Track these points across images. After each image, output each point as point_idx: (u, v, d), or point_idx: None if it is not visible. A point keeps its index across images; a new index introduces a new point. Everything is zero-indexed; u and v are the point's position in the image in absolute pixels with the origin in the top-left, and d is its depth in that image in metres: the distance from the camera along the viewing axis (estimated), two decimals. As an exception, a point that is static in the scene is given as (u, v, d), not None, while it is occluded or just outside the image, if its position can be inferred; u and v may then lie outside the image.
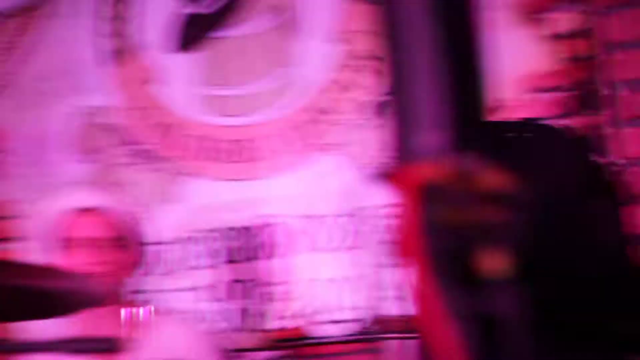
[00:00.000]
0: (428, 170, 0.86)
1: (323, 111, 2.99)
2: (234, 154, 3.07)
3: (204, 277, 3.06)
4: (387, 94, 1.07)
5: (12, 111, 3.37)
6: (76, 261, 2.45)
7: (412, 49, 1.02)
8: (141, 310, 2.57)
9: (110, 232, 2.49)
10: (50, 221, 2.53)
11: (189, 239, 3.09)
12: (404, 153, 0.97)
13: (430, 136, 0.93)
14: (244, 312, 3.01)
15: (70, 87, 3.28)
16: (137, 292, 2.96)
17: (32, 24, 3.36)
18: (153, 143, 3.17)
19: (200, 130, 3.12)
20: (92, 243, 2.47)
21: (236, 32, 3.11)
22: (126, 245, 2.52)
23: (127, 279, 2.56)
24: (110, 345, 1.25)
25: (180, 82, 3.15)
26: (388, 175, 0.89)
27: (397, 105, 1.02)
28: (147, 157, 3.18)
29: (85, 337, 1.16)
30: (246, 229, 3.04)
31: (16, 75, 3.38)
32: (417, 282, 0.87)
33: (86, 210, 2.50)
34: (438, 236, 0.83)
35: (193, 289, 3.07)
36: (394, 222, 0.88)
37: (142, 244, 2.58)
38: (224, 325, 3.02)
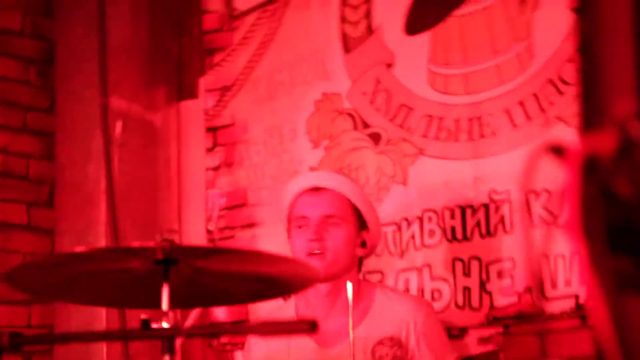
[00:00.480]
0: (609, 140, 0.83)
1: (557, 82, 2.89)
2: (465, 131, 3.05)
3: (432, 255, 3.07)
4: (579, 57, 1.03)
5: (251, 103, 3.53)
6: (306, 240, 2.53)
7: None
8: (373, 288, 2.63)
9: (339, 210, 2.55)
10: (285, 205, 2.64)
11: (419, 218, 3.11)
12: (594, 121, 0.93)
13: (624, 103, 0.90)
14: (468, 289, 2.99)
15: (310, 75, 3.39)
16: (369, 272, 3.03)
17: (270, 18, 3.50)
18: (386, 125, 3.21)
19: (434, 109, 3.12)
20: (322, 221, 2.54)
21: (470, 8, 3.07)
22: (357, 225, 2.57)
23: (360, 258, 2.61)
24: (309, 326, 1.30)
25: (416, 62, 3.17)
26: (566, 148, 0.86)
27: (589, 69, 0.99)
28: (378, 138, 3.23)
29: (285, 319, 1.20)
30: (475, 206, 3.01)
31: (253, 69, 3.54)
32: (586, 260, 0.84)
33: (315, 190, 2.58)
34: (608, 207, 0.80)
35: (421, 267, 3.08)
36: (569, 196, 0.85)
37: (375, 224, 2.62)
38: (449, 303, 3.01)
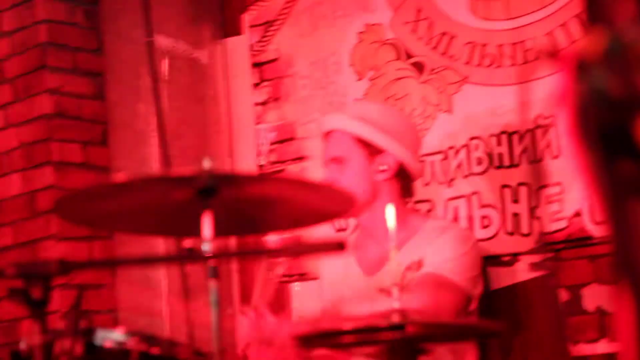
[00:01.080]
0: (600, 41, 0.83)
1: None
2: (508, 57, 3.04)
3: (480, 183, 3.08)
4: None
5: (295, 37, 3.55)
6: (337, 178, 2.59)
7: None
8: (424, 219, 2.66)
9: (342, 149, 2.58)
10: (320, 141, 2.69)
11: (465, 146, 3.12)
12: (597, 26, 0.94)
13: (625, 7, 0.90)
14: (517, 216, 3.00)
15: (352, 6, 3.39)
16: (417, 201, 3.05)
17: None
18: (429, 53, 3.21)
19: (476, 36, 3.10)
20: (331, 164, 2.60)
21: None
22: (366, 155, 2.59)
23: (399, 181, 2.63)
24: (337, 246, 1.34)
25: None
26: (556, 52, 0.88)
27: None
28: (422, 68, 3.23)
29: (313, 240, 1.25)
30: (519, 132, 3.01)
31: (295, 3, 3.55)
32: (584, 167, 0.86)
33: (326, 134, 2.64)
34: (600, 108, 0.81)
35: (469, 195, 3.10)
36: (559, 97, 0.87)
37: (393, 144, 2.61)
38: (499, 230, 3.03)
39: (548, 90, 2.91)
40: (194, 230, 1.95)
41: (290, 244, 1.26)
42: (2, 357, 2.30)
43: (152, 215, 2.07)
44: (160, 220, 2.11)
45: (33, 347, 1.73)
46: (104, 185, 1.97)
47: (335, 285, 2.66)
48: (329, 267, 2.72)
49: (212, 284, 1.86)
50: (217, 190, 1.88)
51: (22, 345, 1.96)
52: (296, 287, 3.50)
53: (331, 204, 1.88)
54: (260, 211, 1.98)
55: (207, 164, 1.89)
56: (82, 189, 1.95)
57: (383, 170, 2.59)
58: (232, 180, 1.95)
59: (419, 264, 2.54)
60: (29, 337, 1.75)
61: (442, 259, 2.53)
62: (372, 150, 2.59)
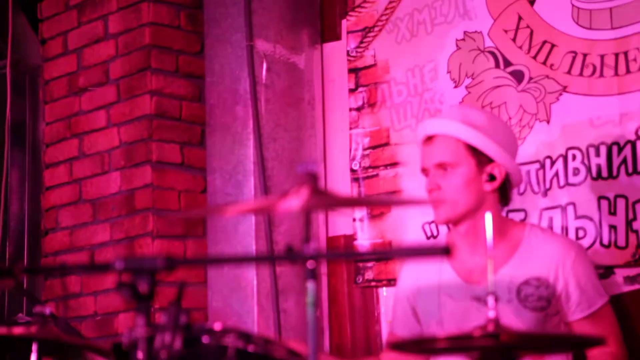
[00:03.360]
0: None
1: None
2: (611, 67, 3.00)
3: (577, 194, 3.04)
4: None
5: (392, 43, 3.56)
6: (426, 191, 2.57)
7: None
8: (522, 227, 2.63)
9: (451, 155, 2.54)
10: (419, 145, 2.67)
11: (562, 156, 3.08)
12: None
13: None
14: (615, 228, 2.95)
15: (451, 13, 3.38)
16: (511, 210, 3.03)
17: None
18: (528, 62, 3.19)
19: (577, 45, 3.07)
20: (436, 169, 2.56)
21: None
22: (476, 163, 2.56)
23: (500, 192, 2.59)
24: (443, 250, 1.34)
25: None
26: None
27: None
28: (521, 76, 3.20)
29: (419, 243, 1.26)
30: (620, 143, 2.97)
31: (394, 10, 3.56)
32: None
33: (429, 139, 2.59)
34: None
35: (565, 206, 3.06)
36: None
37: (503, 155, 2.58)
38: (594, 242, 2.99)
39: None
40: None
41: (394, 247, 1.27)
42: (102, 348, 2.36)
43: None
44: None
45: (136, 340, 1.77)
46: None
47: (428, 291, 2.62)
48: (415, 273, 2.67)
49: (310, 285, 1.88)
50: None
51: (124, 338, 2.01)
52: (384, 292, 3.51)
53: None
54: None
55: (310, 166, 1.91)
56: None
57: (492, 181, 2.55)
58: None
59: (538, 280, 2.49)
60: (132, 330, 1.80)
61: (585, 280, 2.52)
62: (482, 159, 2.56)
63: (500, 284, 2.25)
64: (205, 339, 2.07)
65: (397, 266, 3.29)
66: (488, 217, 2.01)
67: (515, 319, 2.45)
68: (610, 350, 2.50)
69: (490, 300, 2.03)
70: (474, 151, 2.54)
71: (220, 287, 3.58)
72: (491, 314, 2.00)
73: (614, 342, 2.53)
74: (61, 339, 2.34)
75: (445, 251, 1.33)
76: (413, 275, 2.67)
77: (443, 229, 3.18)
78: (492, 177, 2.56)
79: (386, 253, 1.20)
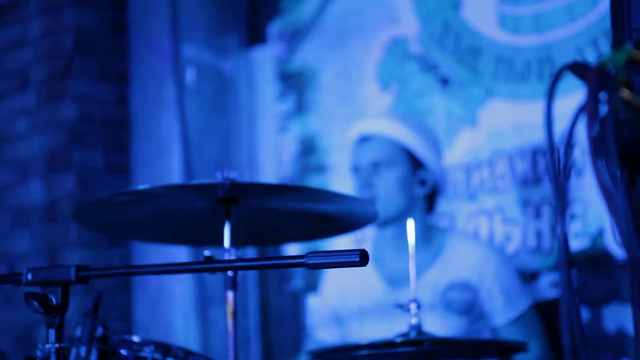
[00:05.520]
0: (622, 55, 0.82)
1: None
2: (538, 74, 3.01)
3: (500, 199, 3.05)
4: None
5: (320, 48, 3.53)
6: (358, 189, 2.56)
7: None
8: (445, 233, 2.63)
9: (386, 155, 2.55)
10: (347, 151, 2.66)
11: (487, 162, 3.09)
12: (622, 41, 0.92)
13: None
14: (540, 233, 2.97)
15: (379, 19, 3.37)
16: (438, 215, 3.03)
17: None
18: (454, 67, 3.19)
19: (503, 51, 3.08)
20: (371, 168, 2.56)
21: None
22: (410, 166, 2.56)
23: (426, 198, 2.60)
24: (360, 256, 1.32)
25: (481, 3, 3.13)
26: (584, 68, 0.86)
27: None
28: (446, 81, 3.21)
29: (337, 249, 1.23)
30: (542, 149, 2.98)
31: (322, 14, 3.53)
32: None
33: (364, 139, 2.60)
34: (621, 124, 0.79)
35: (490, 211, 3.07)
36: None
37: (435, 162, 2.59)
38: (520, 247, 3.00)
39: (574, 106, 2.87)
40: (213, 240, 1.94)
41: (310, 254, 1.24)
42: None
43: (171, 224, 2.06)
44: (180, 229, 2.10)
45: (48, 354, 1.71)
46: (125, 193, 1.96)
47: (351, 296, 2.61)
48: (338, 276, 2.66)
49: (230, 294, 1.84)
50: (237, 201, 1.87)
51: (38, 353, 1.95)
52: (312, 300, 3.48)
53: (351, 215, 1.87)
54: (279, 221, 1.97)
55: (229, 173, 1.88)
56: (102, 197, 1.93)
57: (423, 186, 2.56)
58: (253, 190, 1.94)
59: (462, 286, 2.49)
60: (45, 344, 1.74)
61: (509, 284, 2.52)
62: (415, 163, 2.56)
63: (424, 289, 2.25)
64: (123, 351, 2.02)
65: (323, 273, 3.27)
66: (410, 224, 2.01)
67: (440, 323, 2.44)
68: (540, 355, 2.51)
69: (413, 307, 2.01)
70: (408, 153, 2.55)
71: (144, 297, 3.51)
72: (413, 320, 1.99)
73: (542, 345, 2.54)
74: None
75: (361, 258, 1.30)
76: (336, 279, 2.66)
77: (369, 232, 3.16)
78: (422, 182, 2.57)
79: (303, 261, 1.17)
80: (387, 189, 2.52)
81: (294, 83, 3.59)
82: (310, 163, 3.53)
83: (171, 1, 3.56)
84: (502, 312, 2.52)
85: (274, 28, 3.66)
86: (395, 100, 3.32)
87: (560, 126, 2.95)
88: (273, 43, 3.66)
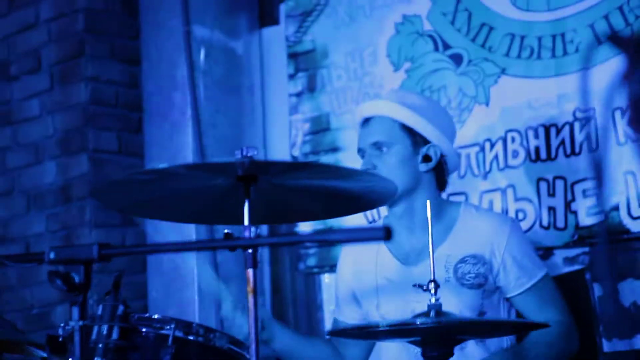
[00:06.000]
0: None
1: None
2: (544, 49, 3.01)
3: (516, 176, 3.05)
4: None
5: (331, 28, 3.53)
6: (366, 168, 2.56)
7: None
8: (457, 206, 2.63)
9: (386, 135, 2.55)
10: (358, 127, 2.67)
11: (502, 139, 3.09)
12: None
13: None
14: (554, 209, 2.97)
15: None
16: (451, 193, 3.03)
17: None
18: (467, 45, 3.18)
19: (512, 27, 3.08)
20: (372, 149, 2.56)
21: None
22: (411, 144, 2.56)
23: (434, 173, 2.60)
24: (383, 232, 1.32)
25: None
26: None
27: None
28: (460, 59, 3.20)
29: (358, 227, 1.24)
30: (555, 126, 2.98)
31: (333, -7, 3.53)
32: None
33: (366, 121, 2.60)
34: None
35: (505, 188, 3.08)
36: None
37: (439, 136, 2.58)
38: (534, 223, 3.01)
39: (587, 83, 2.87)
40: (231, 218, 1.95)
41: (334, 231, 1.25)
42: (38, 343, 2.30)
43: (189, 202, 2.07)
44: (197, 208, 2.11)
45: (72, 331, 1.73)
46: (144, 172, 1.97)
47: (365, 274, 2.62)
48: (353, 256, 2.67)
49: (250, 272, 1.85)
50: (256, 178, 1.87)
51: (60, 331, 1.96)
52: (326, 279, 3.49)
53: (371, 191, 1.87)
54: (296, 199, 1.98)
55: (248, 151, 1.89)
56: (121, 176, 1.94)
57: (427, 162, 2.56)
58: (272, 167, 1.94)
59: (475, 257, 2.50)
60: (67, 322, 1.75)
61: (522, 254, 2.52)
62: (417, 140, 2.56)
63: (437, 264, 2.25)
64: (144, 329, 2.03)
65: (338, 252, 3.28)
66: (428, 205, 2.01)
67: (454, 298, 2.45)
68: (558, 320, 2.51)
69: (432, 287, 2.03)
70: (409, 131, 2.55)
71: (160, 276, 3.53)
72: (432, 300, 2.00)
73: (559, 311, 2.55)
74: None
75: (385, 233, 1.31)
76: (351, 259, 2.67)
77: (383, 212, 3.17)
78: (427, 158, 2.57)
79: (326, 237, 1.18)
80: (390, 169, 2.52)
81: (306, 63, 3.59)
82: (323, 143, 3.53)
83: (182, -18, 3.56)
84: (516, 283, 2.52)
85: (286, 8, 3.66)
86: (407, 79, 3.32)
87: (573, 103, 2.94)
88: (284, 23, 3.66)
